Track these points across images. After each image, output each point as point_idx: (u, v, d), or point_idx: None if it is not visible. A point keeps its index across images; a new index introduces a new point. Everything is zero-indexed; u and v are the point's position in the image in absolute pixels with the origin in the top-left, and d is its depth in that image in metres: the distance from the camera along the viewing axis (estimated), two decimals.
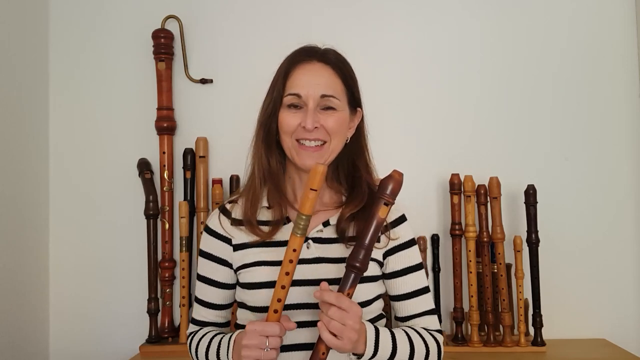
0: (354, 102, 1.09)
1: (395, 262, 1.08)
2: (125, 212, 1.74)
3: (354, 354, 0.96)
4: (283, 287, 0.93)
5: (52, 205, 1.75)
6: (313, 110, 1.01)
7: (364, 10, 1.76)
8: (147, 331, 1.67)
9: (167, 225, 1.69)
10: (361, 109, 1.12)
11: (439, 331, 1.08)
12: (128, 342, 1.70)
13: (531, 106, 1.75)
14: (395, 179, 0.95)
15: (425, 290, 1.09)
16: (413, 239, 1.11)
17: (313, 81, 1.02)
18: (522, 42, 1.76)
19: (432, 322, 1.08)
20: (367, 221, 0.95)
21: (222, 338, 1.03)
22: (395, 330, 1.01)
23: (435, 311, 1.11)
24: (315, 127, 1.01)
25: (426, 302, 1.09)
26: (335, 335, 0.89)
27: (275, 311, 0.94)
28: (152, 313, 1.66)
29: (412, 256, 1.09)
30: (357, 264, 0.93)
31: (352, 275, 0.94)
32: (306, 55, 1.06)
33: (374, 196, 1.02)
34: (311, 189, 0.90)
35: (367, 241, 0.94)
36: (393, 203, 0.95)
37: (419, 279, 1.09)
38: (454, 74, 1.75)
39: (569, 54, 1.75)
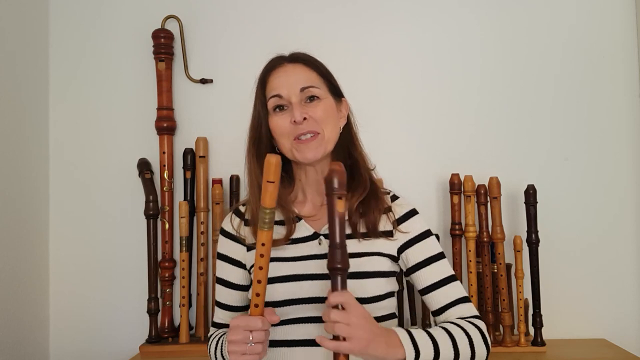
0: (336, 91, 1.12)
1: (415, 255, 1.07)
2: (125, 212, 1.74)
3: None
4: (259, 281, 0.93)
5: (52, 205, 1.75)
6: (298, 104, 1.04)
7: (364, 9, 1.76)
8: (147, 331, 1.67)
9: (167, 225, 1.69)
10: (345, 98, 1.14)
11: (478, 317, 1.05)
12: (128, 342, 1.70)
13: (531, 106, 1.75)
14: (337, 170, 0.92)
15: (452, 278, 1.07)
16: (428, 230, 1.11)
17: (289, 79, 1.06)
18: (522, 42, 1.76)
19: (467, 309, 1.05)
20: (329, 221, 0.92)
21: (224, 336, 1.04)
22: (430, 330, 0.98)
23: (469, 299, 1.07)
24: (305, 119, 1.03)
25: (456, 289, 1.06)
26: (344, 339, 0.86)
27: (256, 305, 0.94)
28: (152, 313, 1.66)
29: (430, 247, 1.09)
30: (339, 265, 0.90)
31: (339, 277, 0.91)
32: (276, 61, 1.10)
33: (374, 185, 1.07)
34: (268, 182, 0.89)
35: (337, 240, 0.91)
36: (345, 195, 0.92)
37: (444, 268, 1.07)
38: (455, 74, 1.75)
39: (569, 54, 1.75)
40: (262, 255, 0.93)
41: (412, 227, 1.09)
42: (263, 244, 0.93)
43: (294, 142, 1.04)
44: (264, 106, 1.09)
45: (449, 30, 1.76)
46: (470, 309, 1.05)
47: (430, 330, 0.97)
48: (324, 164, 1.10)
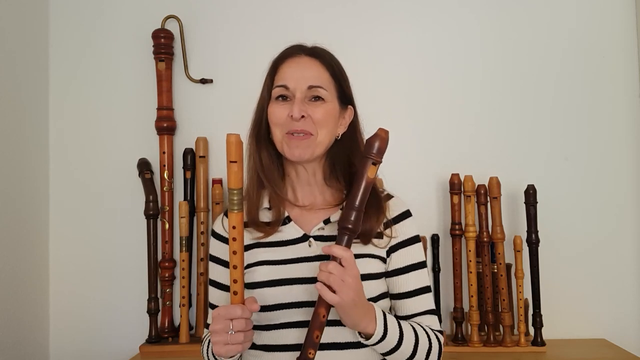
0: (345, 98, 1.09)
1: (398, 259, 1.06)
2: (125, 212, 1.74)
3: (361, 336, 0.95)
4: (235, 267, 0.92)
5: (53, 205, 1.75)
6: (301, 100, 1.02)
7: (365, 9, 1.76)
8: (147, 331, 1.67)
9: (167, 225, 1.69)
10: (353, 106, 1.12)
11: (440, 332, 1.07)
12: (128, 342, 1.70)
13: (531, 106, 1.75)
14: (381, 137, 0.93)
15: (427, 289, 1.08)
16: (417, 235, 1.10)
17: (301, 73, 1.04)
18: (523, 43, 1.76)
19: (433, 321, 1.06)
20: (356, 182, 0.94)
21: None
22: (401, 322, 1.00)
23: (436, 312, 1.09)
24: (302, 117, 1.01)
25: (428, 301, 1.07)
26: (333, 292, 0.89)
27: (235, 293, 0.93)
28: (152, 313, 1.66)
29: (415, 253, 1.08)
30: (349, 226, 0.92)
31: (345, 237, 0.92)
32: (294, 50, 1.08)
33: (374, 193, 1.03)
34: (230, 162, 0.88)
35: (357, 202, 0.92)
36: (381, 162, 0.94)
37: (422, 278, 1.08)
38: (455, 74, 1.75)
39: (569, 54, 1.75)
40: (234, 239, 0.91)
41: (402, 231, 1.08)
42: (234, 227, 0.91)
43: (286, 136, 1.03)
44: (269, 91, 1.07)
45: (449, 30, 1.76)
46: (435, 321, 1.07)
47: (401, 322, 0.99)
48: (316, 165, 1.08)
